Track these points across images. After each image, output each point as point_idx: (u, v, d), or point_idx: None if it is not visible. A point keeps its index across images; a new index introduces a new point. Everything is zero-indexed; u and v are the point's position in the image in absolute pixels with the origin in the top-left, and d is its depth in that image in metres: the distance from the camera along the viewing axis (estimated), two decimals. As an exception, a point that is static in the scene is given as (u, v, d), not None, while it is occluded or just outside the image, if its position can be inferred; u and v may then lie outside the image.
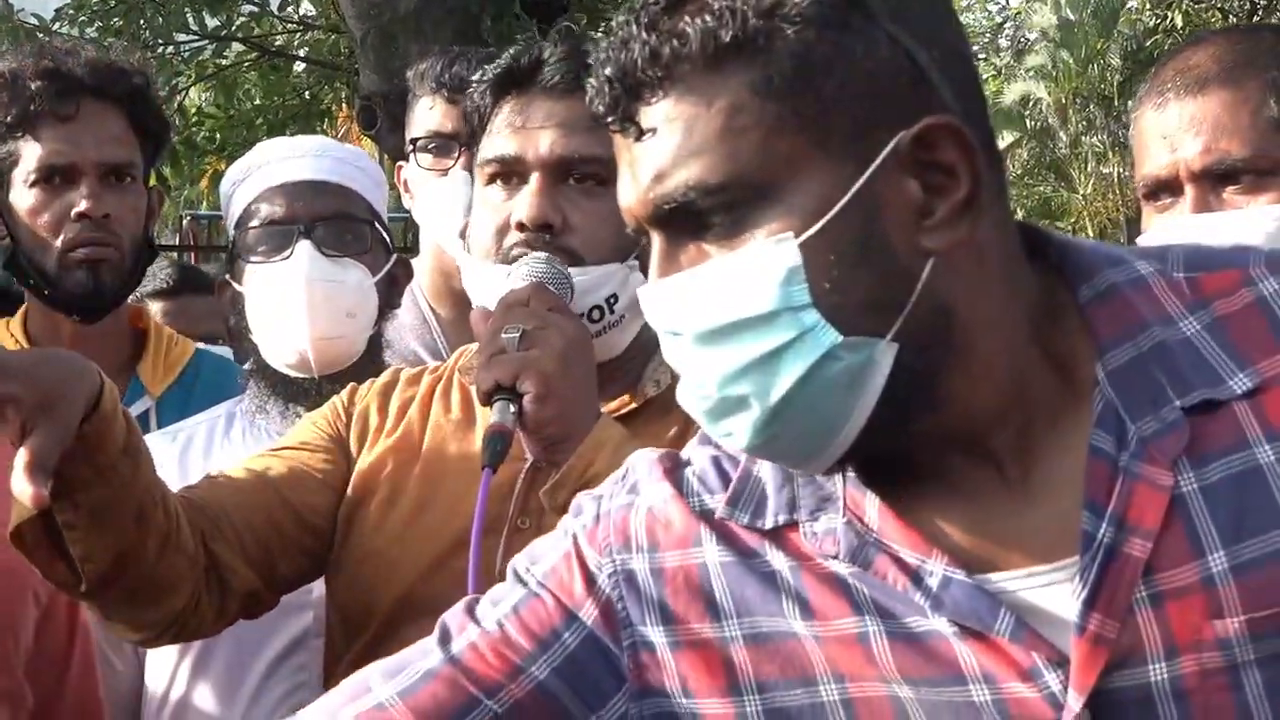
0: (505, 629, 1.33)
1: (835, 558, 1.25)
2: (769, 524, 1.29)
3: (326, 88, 11.09)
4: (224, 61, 10.44)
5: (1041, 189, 26.84)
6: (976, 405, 1.21)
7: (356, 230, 2.37)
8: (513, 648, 1.33)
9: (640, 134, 1.20)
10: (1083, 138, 26.63)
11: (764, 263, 1.16)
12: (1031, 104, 26.91)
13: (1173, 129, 1.97)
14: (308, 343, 2.29)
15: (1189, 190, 1.96)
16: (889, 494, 1.25)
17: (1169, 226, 1.98)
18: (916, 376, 1.18)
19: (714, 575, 1.30)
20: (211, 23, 9.85)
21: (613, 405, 1.93)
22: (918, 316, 1.17)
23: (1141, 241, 2.02)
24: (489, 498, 1.86)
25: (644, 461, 1.37)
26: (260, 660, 2.23)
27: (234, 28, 10.12)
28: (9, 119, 2.54)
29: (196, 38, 9.94)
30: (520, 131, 1.91)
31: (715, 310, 1.18)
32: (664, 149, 1.19)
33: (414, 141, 2.95)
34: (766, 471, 1.30)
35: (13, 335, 2.64)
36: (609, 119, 1.21)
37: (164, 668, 2.28)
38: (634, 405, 1.95)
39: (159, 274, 4.42)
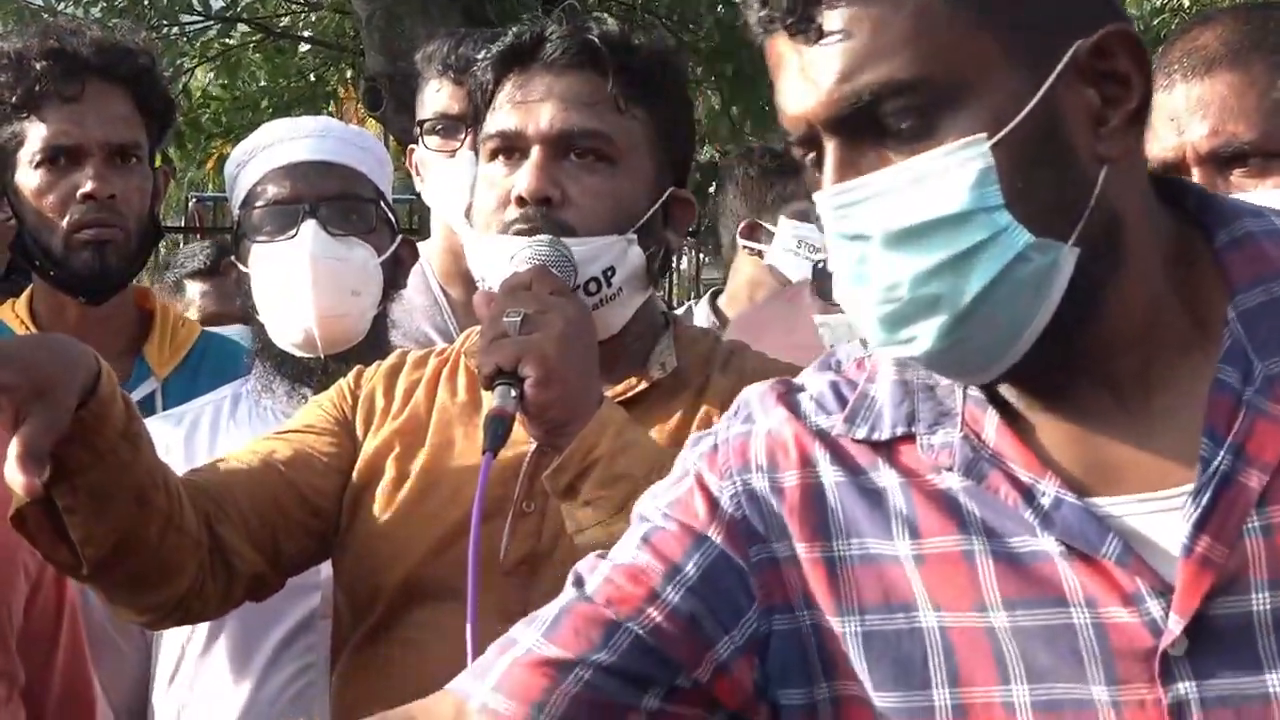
0: (637, 559, 1.35)
1: (949, 470, 1.27)
2: (886, 435, 1.31)
3: (332, 69, 11.06)
4: (229, 42, 10.41)
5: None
6: (1122, 324, 1.24)
7: (361, 210, 2.36)
8: (647, 574, 1.34)
9: (820, 36, 1.20)
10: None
11: (956, 164, 1.17)
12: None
13: (1180, 111, 1.95)
14: (313, 320, 2.28)
15: (1196, 173, 1.94)
16: (1008, 413, 1.27)
17: None
18: (1090, 284, 1.20)
19: (829, 494, 1.32)
20: (216, 4, 9.82)
21: (619, 388, 1.93)
22: (1093, 223, 1.20)
23: None
24: (494, 481, 1.85)
25: (756, 393, 1.40)
26: (268, 642, 2.23)
27: (239, 9, 10.09)
28: (14, 99, 2.52)
29: (201, 19, 9.93)
30: (521, 106, 1.90)
31: (907, 211, 1.19)
32: (850, 50, 1.19)
33: (421, 124, 2.96)
34: (884, 392, 1.32)
35: (18, 317, 2.63)
36: (787, 20, 1.21)
37: (171, 650, 2.28)
38: (641, 388, 1.94)
39: (198, 254, 4.49)
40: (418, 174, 3.01)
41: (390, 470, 1.94)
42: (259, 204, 2.35)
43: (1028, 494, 1.23)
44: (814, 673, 1.32)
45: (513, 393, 1.70)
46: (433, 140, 2.93)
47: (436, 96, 2.94)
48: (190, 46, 10.05)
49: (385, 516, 1.92)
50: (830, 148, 1.22)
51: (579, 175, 1.88)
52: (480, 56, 1.99)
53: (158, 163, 2.75)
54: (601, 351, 1.84)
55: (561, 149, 1.89)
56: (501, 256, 1.85)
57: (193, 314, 4.17)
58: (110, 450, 1.65)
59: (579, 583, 1.37)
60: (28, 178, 2.54)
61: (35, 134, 2.53)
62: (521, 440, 1.83)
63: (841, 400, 1.35)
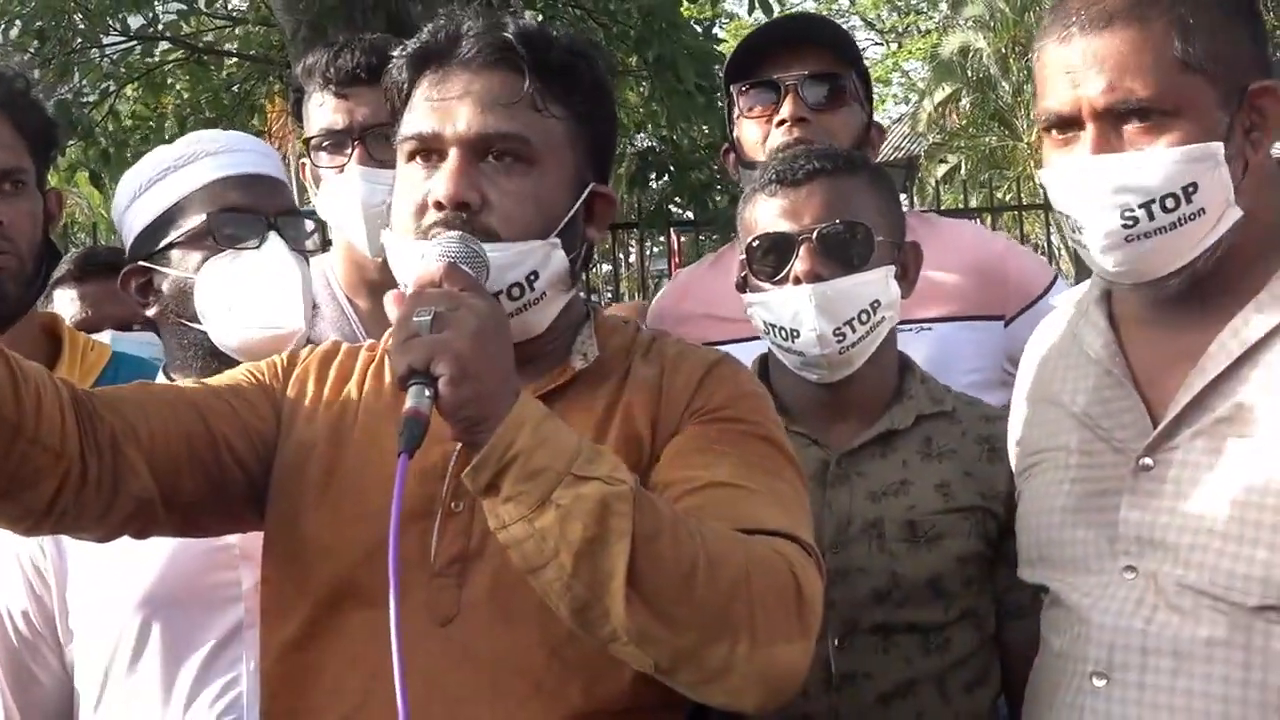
0: None
1: None
2: None
3: (259, 83, 10.93)
4: (152, 61, 10.25)
5: (987, 139, 26.81)
6: None
7: (299, 226, 2.38)
8: None
9: None
10: (1025, 86, 26.61)
11: None
12: (971, 54, 26.85)
13: (1076, 65, 1.95)
14: (291, 328, 2.29)
15: (1090, 128, 1.94)
16: None
17: (1069, 168, 1.96)
18: None
19: None
20: (136, 23, 9.68)
21: (540, 381, 1.91)
22: None
23: (1045, 179, 2.00)
24: (423, 480, 1.84)
25: None
26: (193, 658, 2.19)
27: (160, 27, 9.94)
28: None
29: (123, 39, 9.77)
30: (439, 107, 1.88)
31: None
32: None
33: (308, 141, 2.87)
34: None
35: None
36: None
37: (94, 674, 2.24)
38: (562, 380, 1.93)
39: (65, 263, 4.35)
40: (316, 187, 2.92)
41: (318, 465, 1.92)
42: (210, 209, 2.31)
43: None
44: None
45: (426, 393, 1.65)
46: (321, 157, 2.84)
47: (320, 111, 2.84)
48: (114, 68, 9.90)
49: (312, 517, 1.89)
50: None
51: (497, 178, 1.86)
52: (395, 53, 1.95)
53: (59, 181, 2.65)
54: (523, 350, 1.82)
55: (479, 151, 1.86)
56: (416, 257, 1.81)
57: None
58: None
59: None
60: None
61: None
62: (446, 439, 1.78)
63: None
